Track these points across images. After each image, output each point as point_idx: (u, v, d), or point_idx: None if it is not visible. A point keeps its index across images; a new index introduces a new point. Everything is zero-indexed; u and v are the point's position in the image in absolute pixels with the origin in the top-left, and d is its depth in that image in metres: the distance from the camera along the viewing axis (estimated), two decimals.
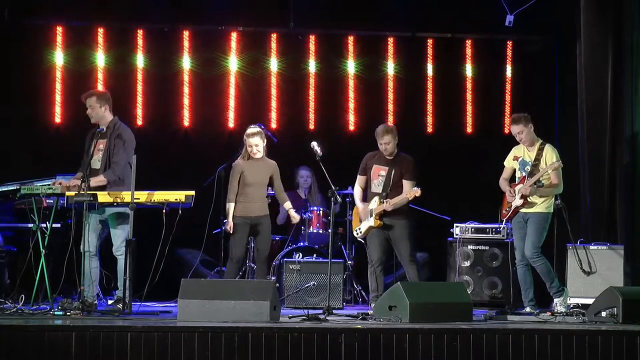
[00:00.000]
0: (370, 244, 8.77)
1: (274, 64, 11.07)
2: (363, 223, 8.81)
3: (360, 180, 8.86)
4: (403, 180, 8.67)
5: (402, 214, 8.67)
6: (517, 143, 8.72)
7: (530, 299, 8.57)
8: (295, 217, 8.83)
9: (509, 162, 8.76)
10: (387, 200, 8.59)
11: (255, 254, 8.84)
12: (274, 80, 11.07)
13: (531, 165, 8.54)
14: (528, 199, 8.48)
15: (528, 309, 8.48)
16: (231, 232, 8.55)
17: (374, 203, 8.70)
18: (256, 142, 8.61)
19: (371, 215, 8.69)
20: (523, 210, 8.54)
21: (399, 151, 8.73)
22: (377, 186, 8.75)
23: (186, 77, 10.97)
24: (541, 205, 8.51)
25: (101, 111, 8.34)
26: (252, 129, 8.70)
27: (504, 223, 8.85)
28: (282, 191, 8.80)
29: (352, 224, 9.06)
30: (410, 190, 8.55)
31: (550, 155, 8.52)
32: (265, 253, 8.73)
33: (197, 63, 10.98)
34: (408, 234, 8.66)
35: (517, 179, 8.68)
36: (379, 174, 8.74)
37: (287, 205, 8.82)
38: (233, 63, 11.01)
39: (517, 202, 8.54)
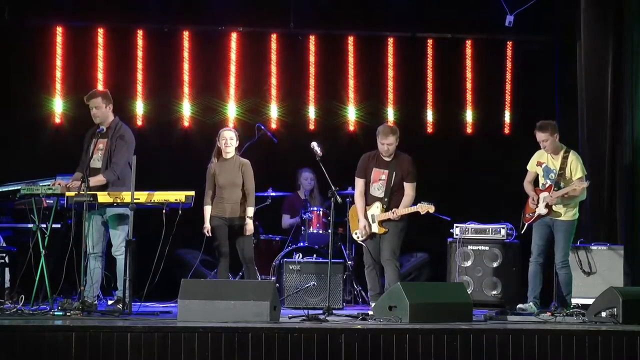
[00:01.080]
0: (368, 245, 8.72)
1: (273, 64, 11.06)
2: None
3: (360, 184, 8.73)
4: (404, 183, 8.64)
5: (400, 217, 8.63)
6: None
7: (535, 296, 8.54)
8: (250, 229, 8.64)
9: (532, 167, 8.73)
10: (395, 210, 8.53)
11: (239, 255, 8.76)
12: (274, 81, 11.07)
13: (556, 174, 8.52)
14: (554, 207, 8.48)
15: (530, 304, 8.45)
16: (208, 234, 8.57)
17: (376, 209, 8.63)
18: (231, 136, 8.61)
19: (373, 222, 8.64)
20: (548, 216, 8.53)
21: (396, 151, 8.71)
22: (377, 190, 8.67)
23: (186, 78, 10.96)
24: (568, 214, 8.53)
25: (106, 111, 8.34)
26: (226, 127, 8.75)
27: (525, 227, 8.76)
28: (251, 193, 8.65)
29: (350, 226, 8.99)
30: (423, 206, 8.48)
31: (575, 165, 8.53)
32: (250, 253, 8.70)
33: (197, 63, 10.98)
34: (397, 232, 8.58)
35: (541, 185, 8.65)
36: (380, 178, 8.67)
37: (249, 211, 8.62)
38: (233, 63, 11.01)
39: (542, 210, 8.53)
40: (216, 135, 8.76)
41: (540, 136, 8.56)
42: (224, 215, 8.60)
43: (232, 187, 8.60)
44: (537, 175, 8.70)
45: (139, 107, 10.88)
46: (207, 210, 8.62)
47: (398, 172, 8.62)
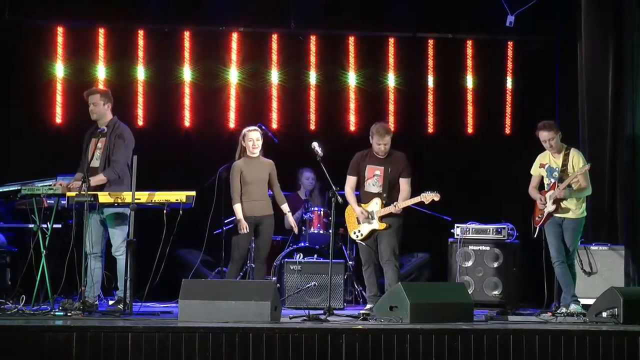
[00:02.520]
0: (367, 244, 8.72)
1: (274, 65, 11.06)
2: (363, 225, 8.69)
3: (351, 181, 8.74)
4: (400, 178, 8.64)
5: (398, 214, 8.61)
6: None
7: (572, 295, 8.44)
8: (294, 226, 8.78)
9: (536, 170, 8.73)
10: (396, 204, 8.53)
11: (255, 254, 8.82)
12: (274, 81, 11.07)
13: (559, 171, 8.53)
14: (561, 203, 8.47)
15: (572, 306, 8.34)
16: (245, 231, 8.52)
17: (376, 205, 8.63)
18: (257, 137, 8.63)
19: (373, 218, 8.64)
20: (558, 214, 8.52)
21: (390, 149, 8.69)
22: (372, 186, 8.68)
23: (187, 78, 10.96)
24: (576, 211, 8.51)
25: (104, 109, 8.35)
26: (251, 127, 8.74)
27: (537, 229, 8.73)
28: (281, 192, 8.78)
29: (347, 226, 8.96)
30: (427, 195, 8.46)
31: (577, 159, 8.54)
32: (265, 253, 8.73)
33: (198, 63, 10.98)
34: (395, 231, 8.57)
35: (546, 186, 8.66)
36: (374, 174, 8.68)
37: (285, 208, 8.77)
38: (233, 63, 11.01)
39: (550, 208, 8.50)
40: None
41: (545, 135, 8.54)
42: (254, 214, 8.57)
43: (260, 183, 8.61)
44: (542, 178, 8.69)
45: (140, 107, 10.88)
46: (239, 208, 8.54)
47: (393, 168, 8.61)
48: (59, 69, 10.78)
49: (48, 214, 8.10)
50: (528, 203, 8.82)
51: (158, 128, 10.89)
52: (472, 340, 6.67)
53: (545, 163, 8.66)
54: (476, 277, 9.56)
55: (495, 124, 11.22)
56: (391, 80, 11.18)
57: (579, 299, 8.43)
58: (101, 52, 10.83)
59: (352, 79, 11.15)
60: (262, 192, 8.66)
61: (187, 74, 10.96)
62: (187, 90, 10.96)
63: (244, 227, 8.50)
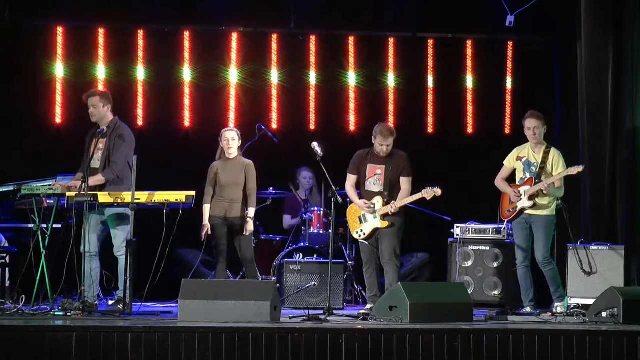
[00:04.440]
0: (368, 244, 8.72)
1: (274, 65, 11.06)
2: (366, 225, 8.69)
3: (352, 179, 8.74)
4: (401, 177, 8.64)
5: (398, 213, 8.61)
6: (519, 144, 8.73)
7: (530, 299, 8.59)
8: (250, 229, 8.65)
9: (510, 162, 8.75)
10: (393, 203, 8.54)
11: (240, 256, 8.76)
12: (274, 81, 11.07)
13: (538, 167, 8.54)
14: (537, 200, 8.48)
15: (528, 309, 8.50)
16: (205, 236, 8.56)
17: (378, 204, 8.62)
18: (232, 137, 8.64)
19: (375, 217, 8.63)
20: (528, 212, 8.54)
21: (392, 149, 8.69)
22: (373, 185, 8.68)
23: (187, 78, 10.96)
24: (547, 208, 8.52)
25: (104, 110, 8.36)
26: (229, 127, 8.83)
27: (505, 223, 8.82)
28: (253, 196, 8.67)
29: (349, 226, 8.97)
30: (429, 191, 8.46)
31: (557, 160, 8.55)
32: (250, 254, 8.70)
33: (198, 63, 10.98)
34: (396, 231, 8.57)
35: (519, 180, 8.67)
36: (375, 173, 8.68)
37: (250, 212, 8.63)
38: (233, 63, 11.01)
39: (526, 203, 8.51)
40: (217, 135, 8.77)
41: (532, 122, 8.55)
42: (223, 215, 8.60)
43: (234, 186, 8.61)
44: (513, 171, 8.70)
45: (140, 107, 10.88)
46: (206, 209, 8.63)
47: (394, 167, 8.61)
48: (59, 69, 10.78)
49: (48, 214, 8.10)
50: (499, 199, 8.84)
51: (158, 128, 10.89)
52: (472, 340, 6.68)
53: (523, 156, 8.67)
54: (476, 277, 9.56)
55: (495, 124, 11.22)
56: (391, 80, 11.17)
57: (535, 304, 8.56)
58: (101, 52, 10.83)
59: (352, 78, 11.15)
60: (236, 194, 8.62)
61: (187, 74, 10.95)
62: (187, 90, 10.96)
63: (204, 233, 8.56)
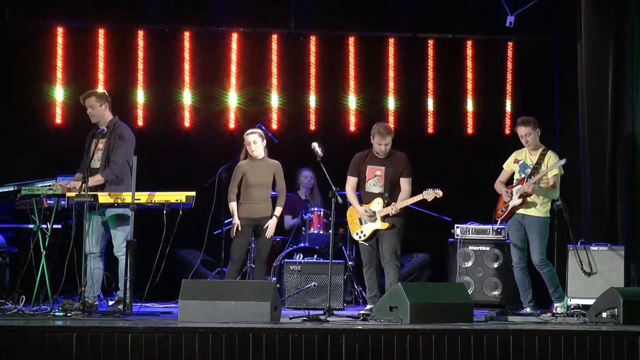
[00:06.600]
0: (369, 245, 8.71)
1: (274, 65, 11.06)
2: (366, 226, 8.68)
3: (352, 181, 8.74)
4: (401, 178, 8.64)
5: (398, 213, 8.59)
6: (519, 145, 8.74)
7: (529, 300, 8.61)
8: (270, 231, 8.64)
9: (509, 165, 8.78)
10: (393, 205, 8.53)
11: (256, 254, 8.84)
12: (274, 81, 11.07)
13: (532, 168, 8.57)
14: (527, 199, 8.50)
15: (528, 310, 8.52)
16: (234, 233, 8.55)
17: (378, 205, 8.62)
18: (254, 139, 8.63)
19: (376, 218, 8.61)
20: (520, 211, 8.56)
21: (391, 149, 8.68)
22: (373, 186, 8.67)
23: (186, 78, 10.97)
24: (540, 209, 8.53)
25: (102, 110, 8.35)
26: (251, 129, 8.77)
27: (498, 223, 8.87)
28: (283, 196, 8.75)
29: (349, 227, 8.97)
30: (429, 192, 8.45)
31: (552, 161, 8.57)
32: (266, 254, 8.74)
33: (198, 64, 10.98)
34: (397, 231, 8.56)
35: (515, 181, 8.70)
36: (375, 174, 8.68)
37: (277, 211, 8.70)
38: (233, 63, 11.01)
39: (515, 201, 8.56)
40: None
41: (523, 130, 8.60)
42: (253, 216, 8.60)
43: (262, 187, 8.63)
44: (512, 174, 8.74)
45: (140, 108, 10.88)
46: (234, 206, 8.61)
47: (394, 168, 8.61)
48: (59, 69, 10.78)
49: (48, 214, 8.10)
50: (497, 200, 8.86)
51: (158, 128, 10.90)
52: (472, 341, 6.67)
53: (520, 159, 8.71)
54: (476, 277, 9.57)
55: (495, 124, 11.22)
56: (391, 80, 11.17)
57: (534, 304, 8.58)
58: (101, 52, 10.84)
59: (351, 79, 11.14)
60: (264, 195, 8.66)
61: (186, 74, 10.95)
62: (187, 90, 10.95)
63: (234, 230, 8.54)
